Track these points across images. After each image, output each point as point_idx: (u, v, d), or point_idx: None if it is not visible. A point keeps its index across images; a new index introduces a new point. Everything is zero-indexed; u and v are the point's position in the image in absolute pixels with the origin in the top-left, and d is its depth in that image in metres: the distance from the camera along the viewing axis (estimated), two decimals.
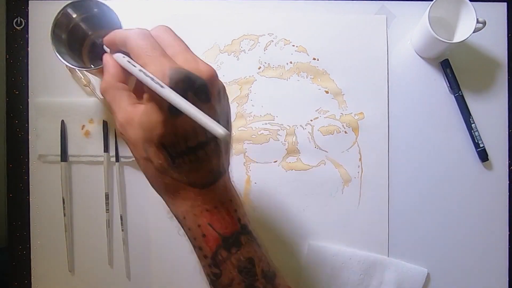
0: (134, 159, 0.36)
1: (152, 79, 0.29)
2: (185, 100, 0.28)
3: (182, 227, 0.36)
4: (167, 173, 0.33)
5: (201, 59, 0.32)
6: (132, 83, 0.35)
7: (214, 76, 0.32)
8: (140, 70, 0.30)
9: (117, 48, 0.35)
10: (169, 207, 0.36)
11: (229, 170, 0.37)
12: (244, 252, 0.35)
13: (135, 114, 0.32)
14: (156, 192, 0.36)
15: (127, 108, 0.32)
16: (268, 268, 0.37)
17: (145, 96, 0.31)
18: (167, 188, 0.34)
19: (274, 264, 0.39)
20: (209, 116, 0.28)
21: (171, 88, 0.29)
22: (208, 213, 0.34)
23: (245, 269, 0.35)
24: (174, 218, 0.36)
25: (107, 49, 0.36)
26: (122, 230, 0.56)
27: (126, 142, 0.34)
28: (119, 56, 0.34)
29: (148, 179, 0.35)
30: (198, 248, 0.36)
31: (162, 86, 0.29)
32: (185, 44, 0.33)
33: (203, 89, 0.31)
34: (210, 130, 0.27)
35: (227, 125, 0.35)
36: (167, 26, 0.34)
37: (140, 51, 0.31)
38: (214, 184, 0.34)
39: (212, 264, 0.35)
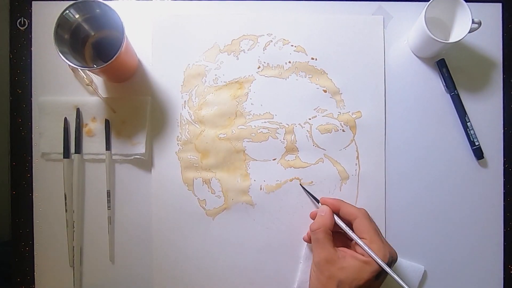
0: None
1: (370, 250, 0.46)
2: (391, 271, 0.46)
3: None
4: None
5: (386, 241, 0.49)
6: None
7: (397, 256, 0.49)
8: (364, 243, 0.47)
9: (335, 210, 0.52)
10: None
11: None
12: None
13: (338, 257, 0.47)
14: None
15: (331, 250, 0.48)
16: None
17: (363, 258, 0.46)
18: None
19: None
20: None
21: (387, 263, 0.46)
22: None
23: None
24: None
25: (318, 201, 0.55)
26: (109, 207, 0.57)
27: (317, 271, 0.48)
28: (340, 221, 0.51)
29: None
30: None
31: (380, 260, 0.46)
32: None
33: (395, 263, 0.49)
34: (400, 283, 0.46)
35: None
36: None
37: (369, 230, 0.48)
38: None
39: None
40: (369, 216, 0.50)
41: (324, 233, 0.49)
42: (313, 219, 0.53)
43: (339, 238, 0.52)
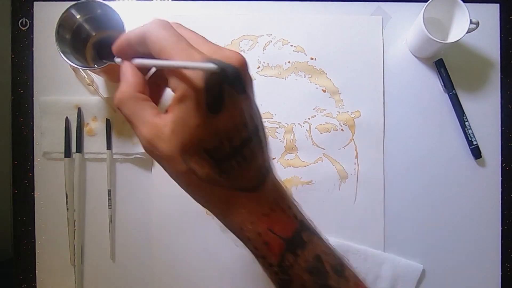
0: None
1: (185, 63, 0.26)
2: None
3: (241, 239, 0.32)
4: (215, 182, 0.29)
5: (225, 48, 0.28)
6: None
7: (245, 63, 0.27)
8: (168, 61, 0.27)
9: (131, 51, 0.30)
10: (222, 221, 0.32)
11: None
12: (309, 250, 0.31)
13: (164, 125, 0.28)
14: (200, 204, 0.32)
15: (154, 120, 0.28)
16: (335, 261, 0.33)
17: (176, 96, 0.27)
18: (218, 200, 0.30)
19: (338, 252, 0.34)
20: (248, 109, 0.28)
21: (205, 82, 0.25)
22: (266, 218, 0.30)
23: (314, 269, 0.31)
24: (228, 231, 0.32)
25: (118, 60, 0.31)
26: (110, 206, 0.57)
27: (157, 159, 0.29)
28: (138, 60, 0.30)
29: (193, 195, 0.31)
30: (261, 258, 0.31)
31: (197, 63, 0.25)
32: (202, 36, 0.29)
33: (238, 79, 0.27)
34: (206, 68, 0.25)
35: (261, 120, 0.31)
36: (175, 22, 0.29)
37: (164, 44, 0.27)
38: (264, 183, 0.30)
39: (280, 271, 0.31)
40: (167, 24, 0.28)
41: (133, 101, 0.29)
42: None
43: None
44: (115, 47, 0.31)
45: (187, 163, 0.28)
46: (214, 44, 0.28)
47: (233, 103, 0.27)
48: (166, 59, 0.27)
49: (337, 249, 0.53)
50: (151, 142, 0.28)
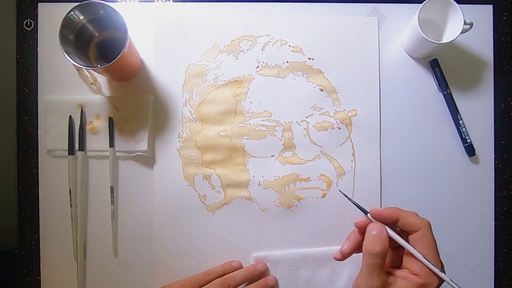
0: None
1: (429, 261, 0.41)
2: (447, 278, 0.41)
3: None
4: None
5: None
6: None
7: None
8: (423, 255, 0.42)
9: (387, 219, 0.44)
10: None
11: None
12: None
13: (389, 284, 0.42)
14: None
15: (385, 277, 0.42)
16: None
17: (419, 280, 0.41)
18: None
19: None
20: None
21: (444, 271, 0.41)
22: None
23: None
24: None
25: (370, 217, 0.45)
26: (113, 202, 0.59)
27: None
28: (399, 238, 0.43)
29: None
30: None
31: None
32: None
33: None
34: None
35: None
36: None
37: (430, 246, 0.43)
38: None
39: None
40: (431, 228, 0.44)
41: (383, 259, 0.42)
42: (358, 228, 0.46)
43: None
44: (384, 213, 0.44)
45: None
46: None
47: None
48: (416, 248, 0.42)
49: (287, 259, 0.58)
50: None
